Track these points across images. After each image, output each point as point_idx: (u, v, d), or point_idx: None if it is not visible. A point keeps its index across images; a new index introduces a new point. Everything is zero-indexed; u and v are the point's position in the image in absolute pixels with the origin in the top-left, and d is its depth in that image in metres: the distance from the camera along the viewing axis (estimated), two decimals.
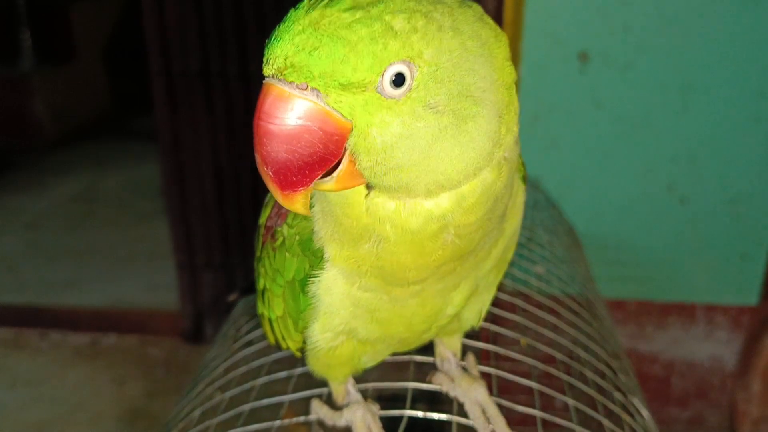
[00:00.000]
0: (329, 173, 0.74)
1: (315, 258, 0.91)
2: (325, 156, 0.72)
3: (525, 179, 1.01)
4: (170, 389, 3.70)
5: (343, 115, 0.71)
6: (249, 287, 1.66)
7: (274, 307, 1.05)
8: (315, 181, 0.73)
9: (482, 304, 1.10)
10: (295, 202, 0.74)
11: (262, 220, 1.05)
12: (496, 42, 0.78)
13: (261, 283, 1.09)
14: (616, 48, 2.50)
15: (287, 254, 0.96)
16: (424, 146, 0.73)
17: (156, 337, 4.15)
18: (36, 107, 7.12)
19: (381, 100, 0.71)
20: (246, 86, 3.59)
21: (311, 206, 0.90)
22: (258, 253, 1.08)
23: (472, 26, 0.75)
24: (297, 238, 0.93)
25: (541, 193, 2.39)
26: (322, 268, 0.91)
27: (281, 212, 0.98)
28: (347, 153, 0.73)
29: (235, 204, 3.85)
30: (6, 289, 4.67)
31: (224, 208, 3.86)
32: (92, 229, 5.61)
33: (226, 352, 1.50)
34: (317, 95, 0.70)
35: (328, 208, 0.86)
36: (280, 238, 0.97)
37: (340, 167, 0.74)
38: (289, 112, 0.69)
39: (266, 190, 0.78)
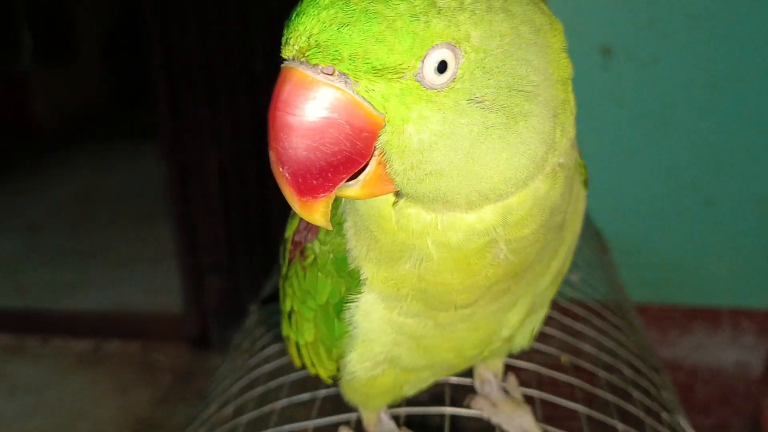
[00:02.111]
0: (353, 177, 0.63)
1: (352, 280, 0.80)
2: (351, 156, 0.60)
3: (586, 183, 0.90)
4: (175, 397, 3.60)
5: (374, 107, 0.60)
6: (272, 296, 1.54)
7: (303, 332, 0.93)
8: (339, 186, 0.62)
9: (535, 323, 0.99)
10: (315, 212, 0.63)
11: (289, 233, 0.92)
12: (552, 30, 0.67)
13: (288, 305, 0.97)
14: (640, 43, 2.40)
15: (319, 274, 0.84)
16: (467, 148, 0.62)
17: (160, 343, 4.06)
18: (35, 106, 7.04)
19: (420, 91, 0.60)
20: (250, 81, 3.48)
21: (343, 221, 0.79)
22: (284, 271, 0.96)
23: (524, 9, 0.64)
24: (331, 256, 0.82)
25: None
26: (359, 292, 0.80)
27: (311, 226, 0.85)
28: (376, 153, 0.62)
29: (242, 205, 3.74)
30: (6, 293, 4.59)
31: (230, 209, 3.75)
32: (93, 230, 5.54)
33: (241, 369, 1.39)
34: (345, 82, 0.59)
35: (361, 222, 0.75)
36: (311, 256, 0.85)
37: (368, 170, 0.63)
38: (312, 101, 0.58)
39: (277, 189, 0.66)
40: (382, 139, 0.61)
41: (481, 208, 0.67)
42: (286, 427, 1.12)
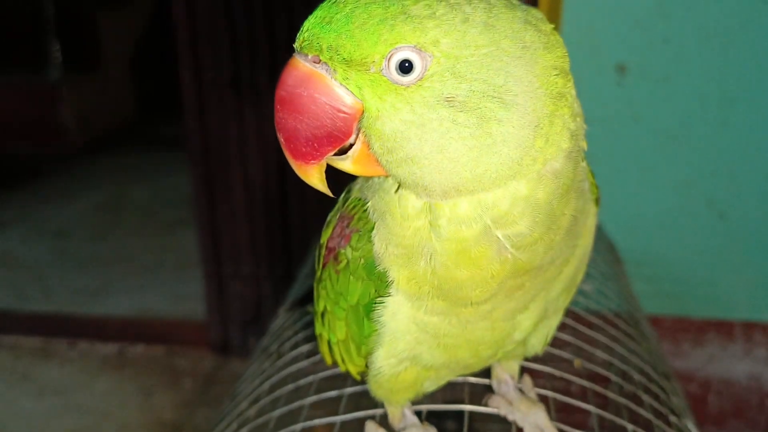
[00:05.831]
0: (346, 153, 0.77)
1: (381, 282, 0.89)
2: (332, 132, 0.74)
3: (598, 201, 0.98)
4: (198, 401, 3.69)
5: (353, 94, 0.72)
6: (299, 301, 1.63)
7: (335, 330, 1.02)
8: (327, 156, 0.76)
9: (548, 328, 1.07)
10: (310, 176, 0.78)
11: (324, 239, 1.01)
12: (544, 49, 0.74)
13: (321, 305, 1.06)
14: (655, 60, 2.46)
15: (351, 278, 0.93)
16: (436, 140, 0.72)
17: (183, 348, 4.15)
18: (63, 115, 7.15)
19: (388, 84, 0.71)
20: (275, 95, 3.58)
21: (371, 228, 0.88)
22: (318, 274, 1.05)
23: (512, 27, 0.72)
24: (362, 261, 0.90)
25: None
26: (387, 294, 0.89)
27: (345, 233, 0.94)
28: (360, 134, 0.75)
29: (264, 214, 3.83)
30: (34, 298, 4.70)
31: (253, 219, 3.85)
32: (119, 237, 5.64)
33: (270, 368, 1.47)
34: (327, 70, 0.73)
35: (381, 218, 0.86)
36: (344, 261, 0.94)
37: (354, 147, 0.76)
38: (299, 80, 0.73)
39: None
40: (363, 123, 0.74)
41: (457, 199, 0.76)
42: (316, 420, 1.20)
